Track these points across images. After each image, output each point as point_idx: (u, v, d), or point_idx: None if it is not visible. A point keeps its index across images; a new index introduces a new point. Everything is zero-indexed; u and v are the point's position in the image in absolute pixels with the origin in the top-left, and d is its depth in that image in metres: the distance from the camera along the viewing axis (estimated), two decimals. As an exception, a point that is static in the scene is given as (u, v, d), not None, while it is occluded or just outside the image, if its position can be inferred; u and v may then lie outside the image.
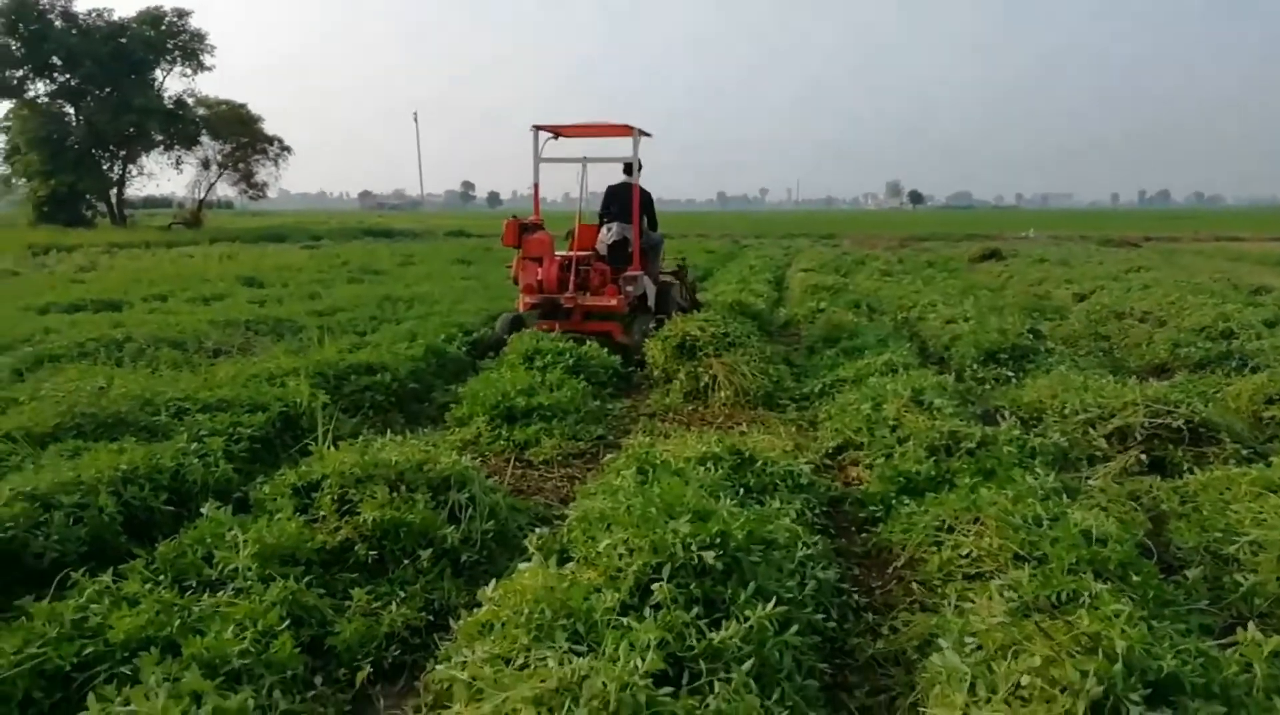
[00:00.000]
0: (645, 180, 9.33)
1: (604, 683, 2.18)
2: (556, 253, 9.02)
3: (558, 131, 9.40)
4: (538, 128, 9.24)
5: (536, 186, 9.59)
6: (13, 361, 7.13)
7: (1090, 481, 4.72)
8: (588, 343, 7.96)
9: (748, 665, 2.44)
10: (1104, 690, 2.15)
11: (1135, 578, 3.15)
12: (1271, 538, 3.56)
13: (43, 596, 3.03)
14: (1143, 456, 5.09)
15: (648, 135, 9.39)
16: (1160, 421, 5.29)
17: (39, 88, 41.03)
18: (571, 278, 8.79)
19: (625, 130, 9.21)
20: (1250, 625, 2.63)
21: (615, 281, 8.96)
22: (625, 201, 9.22)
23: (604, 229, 9.36)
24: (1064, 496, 4.01)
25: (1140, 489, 4.59)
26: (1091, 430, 5.48)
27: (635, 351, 8.26)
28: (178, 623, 2.85)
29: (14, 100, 40.25)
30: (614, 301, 8.84)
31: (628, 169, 9.34)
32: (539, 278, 8.81)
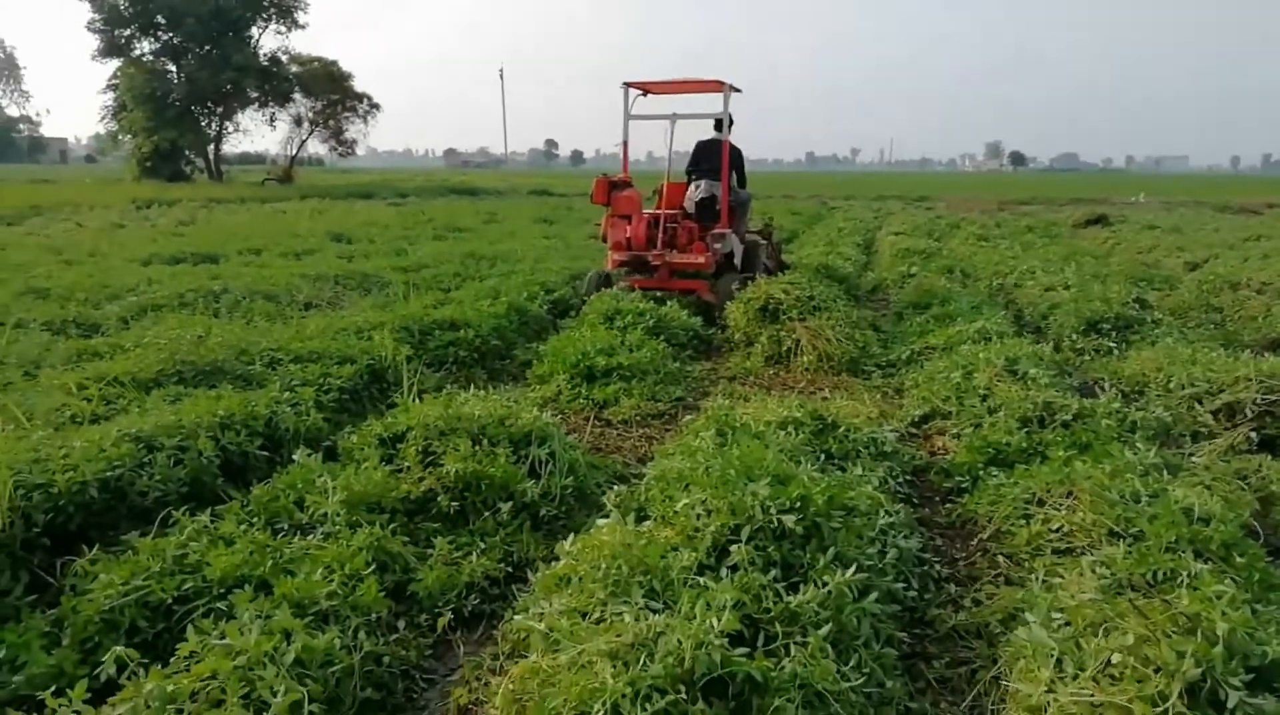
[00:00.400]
0: (701, 130, 9.26)
1: (679, 640, 2.18)
2: (645, 211, 9.04)
3: (647, 88, 9.35)
4: (628, 84, 9.20)
5: (626, 144, 9.55)
6: (120, 310, 7.49)
7: (1194, 458, 4.50)
8: (668, 303, 7.97)
9: (825, 630, 2.41)
10: (1201, 672, 2.05)
11: (1239, 559, 2.98)
12: (1394, 524, 3.33)
13: (147, 533, 3.19)
14: (1252, 434, 4.81)
15: (738, 91, 9.21)
16: (1274, 398, 4.99)
17: (144, 46, 42.67)
18: (660, 235, 8.81)
19: (716, 86, 9.06)
20: (1367, 616, 2.47)
21: (703, 239, 8.91)
22: (715, 158, 9.07)
23: (692, 186, 9.26)
24: (1165, 473, 3.83)
25: (1248, 468, 4.34)
26: (1198, 405, 5.22)
27: (721, 310, 8.22)
28: (270, 563, 2.98)
29: (122, 59, 41.89)
30: (701, 259, 8.79)
31: (718, 125, 9.23)
32: (627, 235, 8.86)
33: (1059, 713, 2.19)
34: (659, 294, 8.74)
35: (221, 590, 2.83)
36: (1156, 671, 2.12)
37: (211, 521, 3.28)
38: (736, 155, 9.32)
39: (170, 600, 2.78)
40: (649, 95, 9.47)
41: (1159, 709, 2.03)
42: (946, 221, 22.11)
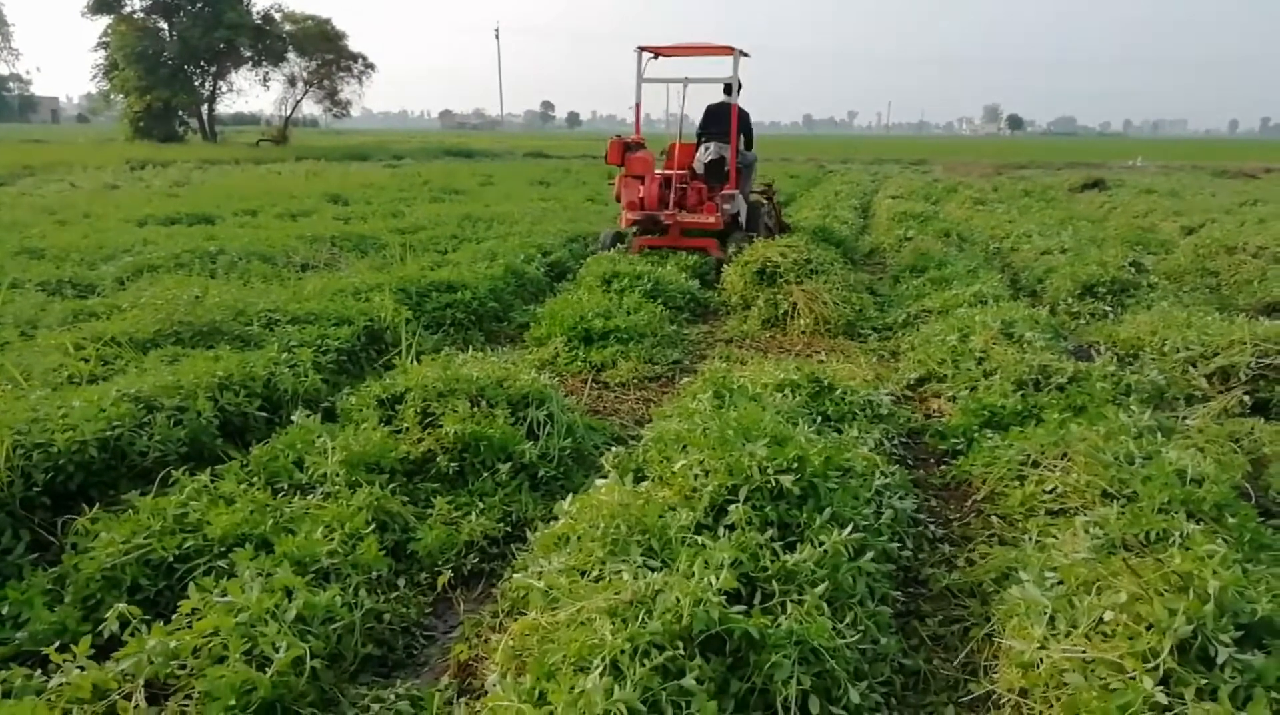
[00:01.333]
0: (711, 93, 9.56)
1: (678, 597, 2.20)
2: (656, 172, 9.25)
3: (658, 52, 9.54)
4: (641, 49, 9.40)
5: (639, 107, 9.76)
6: (116, 271, 7.45)
7: (1188, 421, 4.52)
8: (669, 264, 8.03)
9: (821, 588, 2.44)
10: (1192, 630, 2.08)
11: (1231, 520, 3.02)
12: (1385, 486, 3.36)
13: (147, 492, 3.21)
14: (1246, 397, 4.85)
15: (746, 56, 9.44)
16: (1268, 361, 5.02)
17: (135, 3, 41.93)
18: (671, 195, 9.07)
19: (726, 50, 9.32)
20: (1357, 574, 2.51)
21: (712, 199, 9.22)
22: (724, 121, 9.36)
23: (701, 148, 9.52)
24: (1159, 435, 3.85)
25: (1241, 430, 4.37)
26: (1192, 369, 5.24)
27: (728, 265, 8.33)
28: (270, 522, 3.00)
29: (112, 15, 41.21)
30: (712, 218, 9.11)
31: (727, 89, 9.50)
32: (640, 195, 9.11)
33: (1051, 669, 2.23)
34: (663, 252, 8.96)
35: (222, 549, 2.85)
36: (1148, 628, 2.15)
37: (211, 481, 3.30)
38: (744, 119, 9.49)
39: (171, 558, 2.80)
40: (659, 59, 9.65)
41: (1150, 665, 2.06)
42: (943, 185, 21.98)
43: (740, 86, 9.40)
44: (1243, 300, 8.08)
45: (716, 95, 9.64)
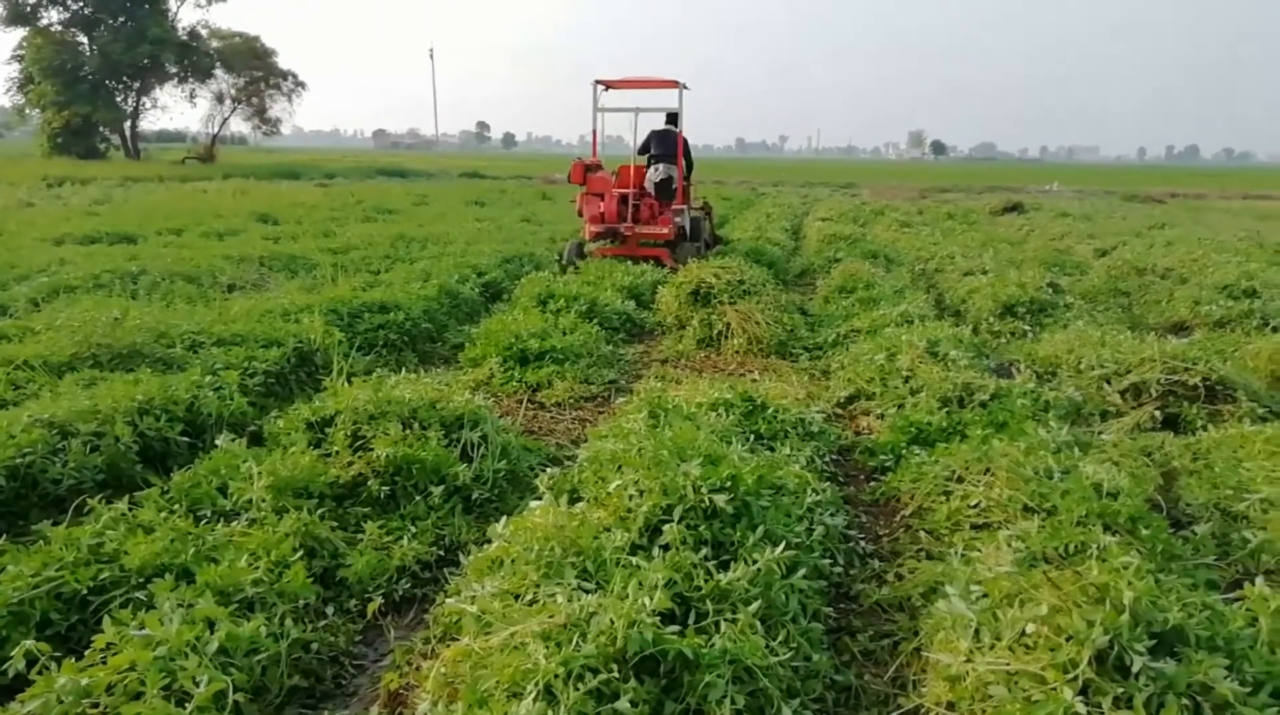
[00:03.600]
0: (656, 121, 10.94)
1: (612, 619, 2.20)
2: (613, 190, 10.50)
3: (610, 84, 10.83)
4: (597, 81, 10.72)
5: (595, 133, 11.09)
6: (29, 292, 7.16)
7: (1103, 436, 4.69)
8: (604, 285, 8.19)
9: (754, 607, 2.46)
10: (1109, 640, 2.15)
11: (1144, 532, 3.14)
12: (1284, 496, 3.53)
13: (59, 522, 3.08)
14: (1157, 413, 5.06)
15: (688, 89, 10.76)
16: (1177, 378, 5.25)
17: (52, 15, 40.60)
18: (629, 210, 10.28)
19: (671, 84, 10.69)
20: (1258, 580, 2.63)
21: (663, 213, 10.50)
22: (667, 144, 10.70)
23: (651, 169, 10.74)
24: (1076, 450, 4.00)
25: (1153, 445, 4.56)
26: (1107, 386, 5.45)
27: (676, 270, 9.20)
28: (192, 551, 2.90)
29: (28, 28, 39.80)
30: (665, 230, 10.42)
31: (671, 118, 10.85)
32: (601, 210, 10.34)
33: (977, 681, 2.28)
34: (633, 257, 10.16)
35: (140, 580, 2.75)
36: (1068, 640, 2.21)
37: (130, 509, 3.18)
38: (686, 145, 10.89)
39: (85, 591, 2.69)
40: (610, 90, 10.91)
41: (1070, 675, 2.12)
42: (871, 208, 22.52)
43: (682, 116, 10.73)
44: (1152, 319, 8.45)
45: (660, 121, 10.97)
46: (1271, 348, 6.20)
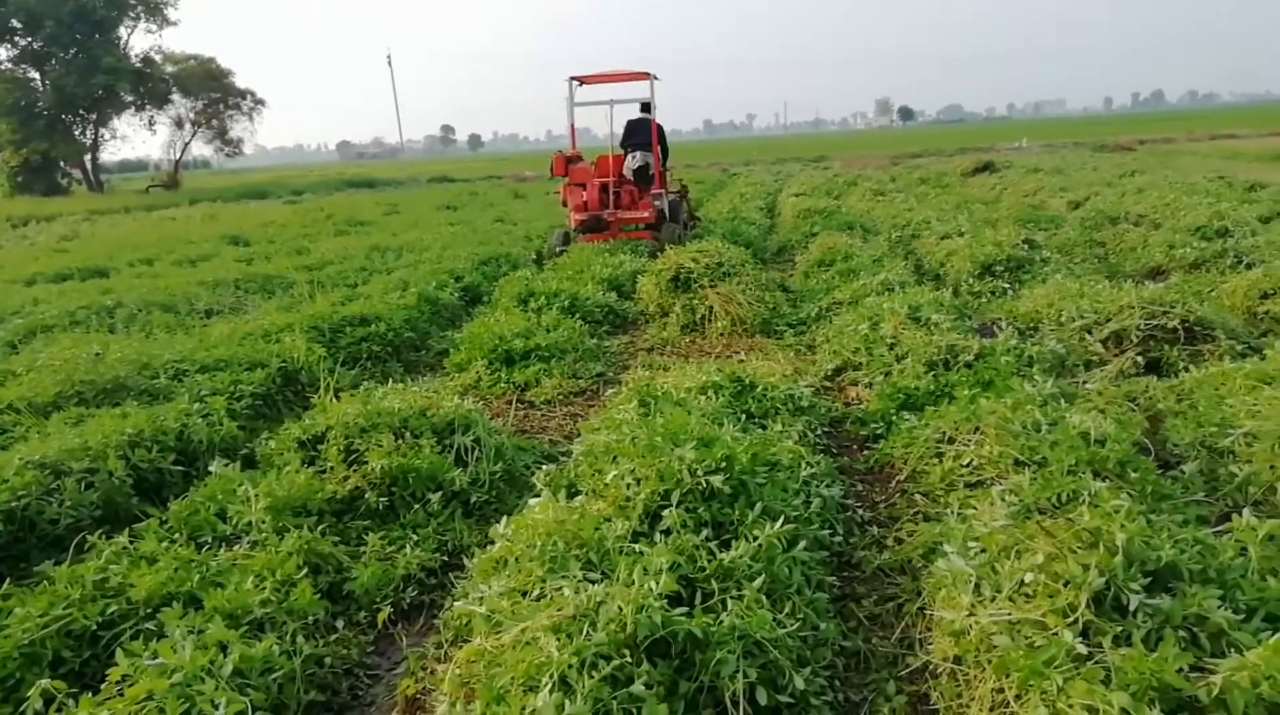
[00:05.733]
0: (631, 111, 11.47)
1: (620, 606, 2.23)
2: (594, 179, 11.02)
3: (584, 80, 11.31)
4: (572, 78, 11.21)
5: (573, 127, 11.77)
6: (5, 334, 7.10)
7: (1088, 386, 4.76)
8: (587, 281, 8.29)
9: (758, 582, 2.49)
10: (1105, 581, 2.20)
11: (1134, 475, 3.21)
12: (1266, 428, 3.60)
13: (61, 561, 3.08)
14: (1139, 358, 5.13)
15: (659, 79, 11.33)
16: (1156, 323, 5.32)
17: (0, 54, 40.09)
18: (610, 198, 10.88)
19: (643, 76, 11.28)
20: (1245, 512, 2.69)
21: (643, 199, 11.04)
22: (643, 133, 11.19)
23: (629, 157, 11.19)
24: (1062, 401, 4.06)
25: (1137, 390, 4.63)
26: (1088, 336, 5.52)
27: (661, 251, 9.46)
28: (197, 577, 2.91)
29: (-24, 68, 39.36)
30: (646, 214, 10.96)
31: (645, 107, 11.37)
32: (584, 199, 10.99)
33: (980, 633, 2.33)
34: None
35: (148, 610, 2.75)
36: (1065, 585, 2.26)
37: (130, 542, 3.18)
38: (661, 131, 11.37)
39: (94, 626, 2.69)
40: (584, 85, 11.30)
41: (1069, 619, 2.17)
42: (844, 179, 22.55)
43: (654, 105, 11.29)
44: (1129, 266, 8.55)
45: (635, 111, 11.48)
46: (1246, 284, 6.29)
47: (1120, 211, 11.09)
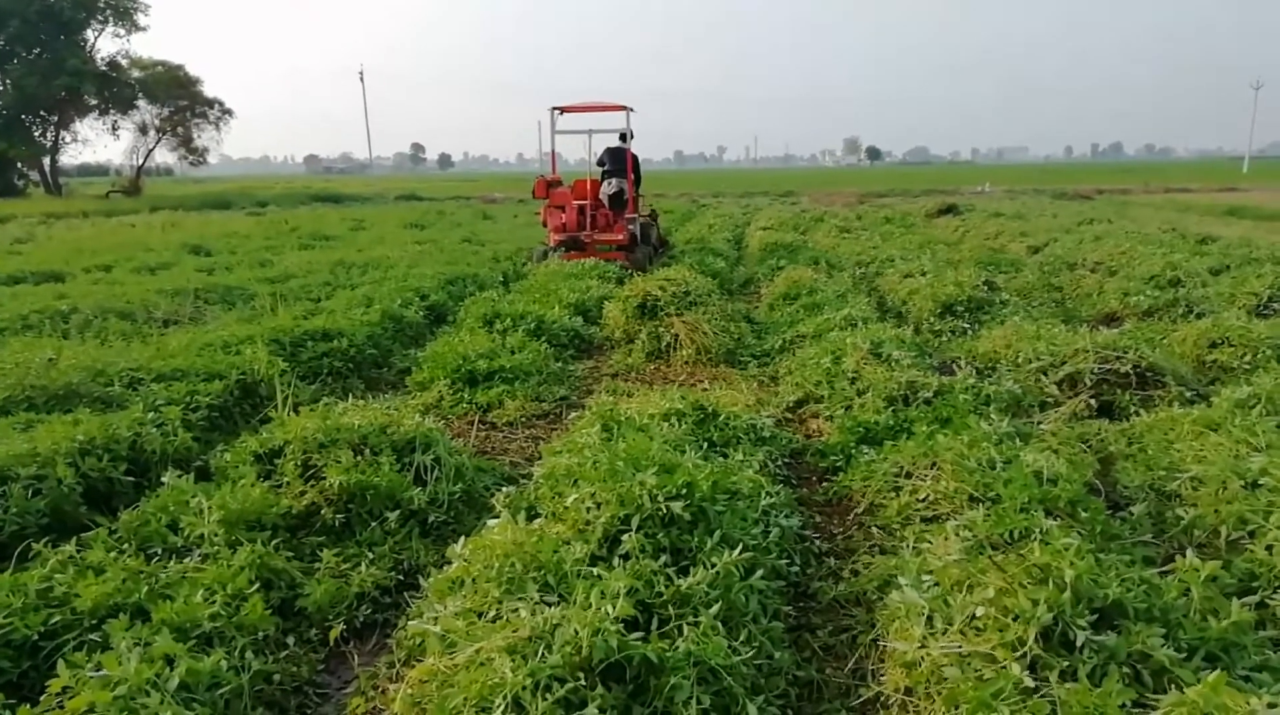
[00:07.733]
0: (608, 140, 12.64)
1: (576, 629, 2.22)
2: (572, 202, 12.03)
3: (565, 109, 12.32)
4: (554, 108, 12.25)
5: (554, 153, 13.30)
6: (-45, 336, 6.93)
7: (1042, 426, 4.86)
8: (554, 305, 8.36)
9: (715, 609, 2.51)
10: (1053, 617, 2.25)
11: (1084, 514, 3.28)
12: (1211, 473, 3.70)
13: (4, 569, 3.00)
14: (1092, 401, 5.25)
15: (634, 111, 12.29)
16: (1109, 367, 5.46)
17: (-39, 51, 39.33)
18: (587, 220, 11.91)
19: (620, 108, 12.28)
20: (1189, 553, 2.76)
21: (618, 222, 12.00)
22: (618, 161, 12.35)
23: (605, 183, 12.24)
24: (1017, 441, 4.14)
25: (1089, 432, 4.74)
26: (1044, 377, 5.64)
27: (637, 269, 10.94)
28: (146, 589, 2.85)
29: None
30: (621, 236, 11.92)
31: (623, 137, 12.48)
32: (563, 221, 12.03)
33: (932, 665, 2.36)
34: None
35: (93, 621, 2.69)
36: (1015, 619, 2.31)
37: (78, 551, 3.10)
38: (636, 160, 12.53)
39: (36, 636, 2.62)
40: (564, 114, 12.32)
41: (1018, 653, 2.21)
42: (811, 215, 22.85)
43: (633, 135, 12.38)
44: (1085, 311, 8.77)
45: (613, 139, 12.63)
46: (1196, 333, 6.48)
47: (1078, 258, 11.40)
